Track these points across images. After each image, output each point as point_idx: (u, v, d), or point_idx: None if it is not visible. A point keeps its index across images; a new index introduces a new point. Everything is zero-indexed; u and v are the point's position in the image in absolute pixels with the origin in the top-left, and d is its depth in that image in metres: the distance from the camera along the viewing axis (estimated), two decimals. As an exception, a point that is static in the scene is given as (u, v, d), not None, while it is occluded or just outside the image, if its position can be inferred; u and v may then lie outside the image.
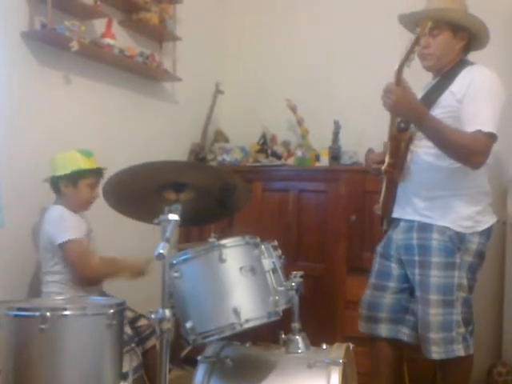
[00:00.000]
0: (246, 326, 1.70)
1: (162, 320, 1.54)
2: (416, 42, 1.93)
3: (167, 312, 1.54)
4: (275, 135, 3.59)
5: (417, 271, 2.13)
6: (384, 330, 2.23)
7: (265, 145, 3.55)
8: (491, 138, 1.99)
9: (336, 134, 3.31)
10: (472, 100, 2.03)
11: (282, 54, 3.71)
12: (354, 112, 3.36)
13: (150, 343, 2.33)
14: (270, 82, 3.71)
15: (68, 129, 2.64)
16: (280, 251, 1.92)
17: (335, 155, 3.26)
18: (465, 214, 2.11)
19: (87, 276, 2.30)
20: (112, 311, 1.70)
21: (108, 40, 2.77)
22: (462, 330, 2.09)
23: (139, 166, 1.76)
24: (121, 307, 1.77)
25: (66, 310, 1.66)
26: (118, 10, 2.98)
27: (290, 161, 3.40)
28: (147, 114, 3.23)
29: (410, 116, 2.05)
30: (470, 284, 2.14)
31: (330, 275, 3.09)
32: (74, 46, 2.47)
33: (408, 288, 2.22)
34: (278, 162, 3.41)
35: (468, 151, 2.00)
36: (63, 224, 2.28)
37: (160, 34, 3.23)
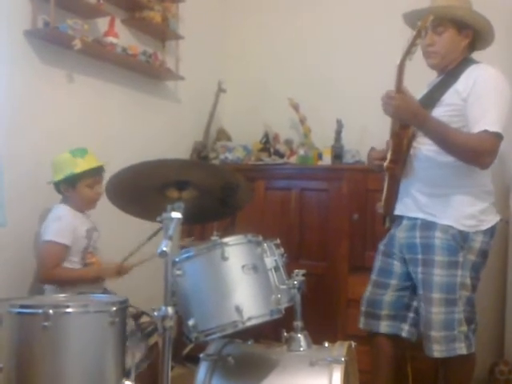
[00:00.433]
0: (248, 323, 1.70)
1: (164, 318, 1.54)
2: (417, 34, 1.92)
3: (170, 310, 1.55)
4: (278, 134, 3.59)
5: (420, 269, 2.13)
6: (384, 327, 2.22)
7: (267, 143, 3.55)
8: (498, 137, 1.98)
9: (338, 132, 3.31)
10: (477, 99, 2.02)
11: (285, 53, 3.71)
12: (356, 111, 3.35)
13: (152, 340, 2.34)
14: (273, 81, 3.71)
15: (70, 127, 2.65)
16: (282, 249, 1.93)
17: (338, 154, 3.26)
18: (468, 213, 2.10)
19: (43, 278, 2.32)
20: (115, 309, 1.69)
21: (111, 39, 2.77)
22: (464, 328, 2.08)
23: (142, 165, 1.76)
24: (123, 305, 1.77)
25: (68, 307, 1.65)
26: (121, 8, 2.98)
27: (293, 159, 3.40)
28: (150, 113, 3.23)
29: (411, 121, 2.05)
30: (473, 283, 2.13)
31: (332, 274, 3.09)
32: (77, 44, 2.47)
33: (410, 286, 2.21)
34: (280, 161, 3.41)
35: (475, 153, 2.00)
36: (54, 224, 2.30)
37: (163, 33, 3.23)
